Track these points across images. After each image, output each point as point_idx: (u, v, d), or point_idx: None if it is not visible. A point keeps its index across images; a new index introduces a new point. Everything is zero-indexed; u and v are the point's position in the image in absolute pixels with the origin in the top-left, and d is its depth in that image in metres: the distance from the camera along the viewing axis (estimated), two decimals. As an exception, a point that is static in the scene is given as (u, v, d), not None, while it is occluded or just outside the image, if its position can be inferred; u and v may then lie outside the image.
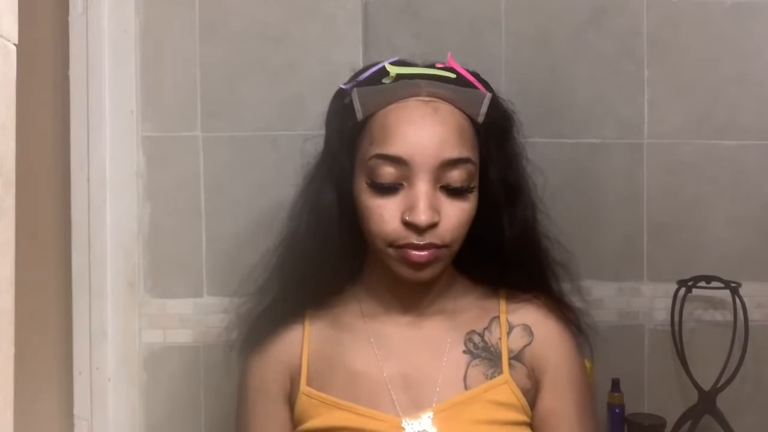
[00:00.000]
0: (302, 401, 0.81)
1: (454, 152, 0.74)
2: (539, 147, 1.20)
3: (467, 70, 0.83)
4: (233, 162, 1.15)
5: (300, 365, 0.83)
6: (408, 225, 0.74)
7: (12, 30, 0.44)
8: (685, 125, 1.23)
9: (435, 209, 0.74)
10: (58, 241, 1.12)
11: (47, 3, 1.11)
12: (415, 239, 0.74)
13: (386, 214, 0.74)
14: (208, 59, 1.15)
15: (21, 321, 0.45)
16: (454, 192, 0.75)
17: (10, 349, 0.43)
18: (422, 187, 0.73)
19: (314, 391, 0.81)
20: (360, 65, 1.10)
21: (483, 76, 0.86)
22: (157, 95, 1.15)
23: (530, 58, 1.22)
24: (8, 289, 0.43)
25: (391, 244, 0.75)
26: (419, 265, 0.75)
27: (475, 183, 0.77)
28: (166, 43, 1.15)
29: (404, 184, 0.75)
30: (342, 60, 1.11)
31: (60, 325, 1.12)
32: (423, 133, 0.74)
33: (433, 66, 0.81)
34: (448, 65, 0.82)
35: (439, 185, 0.75)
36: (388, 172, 0.74)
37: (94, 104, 1.11)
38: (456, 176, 0.75)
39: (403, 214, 0.74)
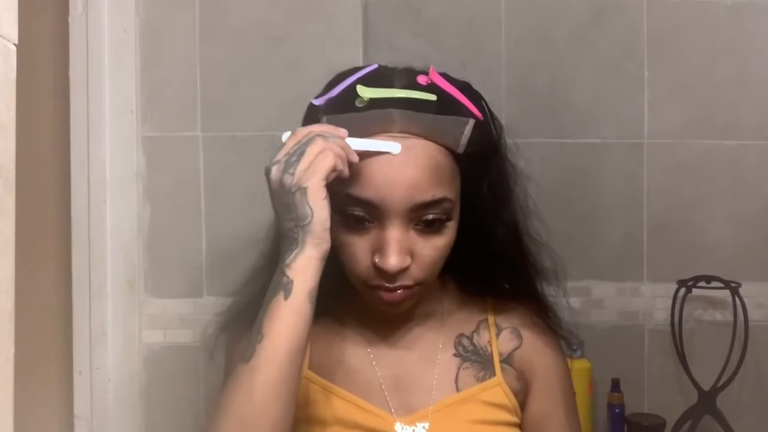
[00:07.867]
0: (303, 384, 0.79)
1: (426, 195, 0.69)
2: (539, 147, 1.21)
3: (456, 82, 0.75)
4: (233, 162, 1.15)
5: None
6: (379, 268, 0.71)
7: (12, 30, 0.43)
8: (685, 125, 1.23)
9: (406, 252, 0.70)
10: (58, 241, 1.12)
11: (47, 3, 1.11)
12: (385, 282, 0.71)
13: (357, 253, 0.72)
14: (208, 59, 1.15)
15: (21, 321, 0.45)
16: (428, 230, 0.71)
17: (10, 350, 0.43)
18: (392, 231, 0.69)
19: (316, 376, 0.80)
20: (360, 65, 1.09)
21: (483, 76, 0.84)
22: (157, 95, 1.15)
23: (530, 58, 1.22)
24: (8, 289, 0.43)
25: (365, 283, 0.73)
26: (392, 305, 0.73)
27: (452, 216, 0.73)
28: (166, 43, 1.15)
29: (375, 222, 0.71)
30: (342, 60, 1.10)
31: (60, 325, 1.12)
32: (393, 176, 0.68)
33: (414, 80, 0.73)
34: (430, 80, 0.73)
35: (411, 224, 0.70)
36: (357, 211, 0.70)
37: (94, 104, 1.11)
38: (430, 217, 0.70)
39: (373, 255, 0.70)
